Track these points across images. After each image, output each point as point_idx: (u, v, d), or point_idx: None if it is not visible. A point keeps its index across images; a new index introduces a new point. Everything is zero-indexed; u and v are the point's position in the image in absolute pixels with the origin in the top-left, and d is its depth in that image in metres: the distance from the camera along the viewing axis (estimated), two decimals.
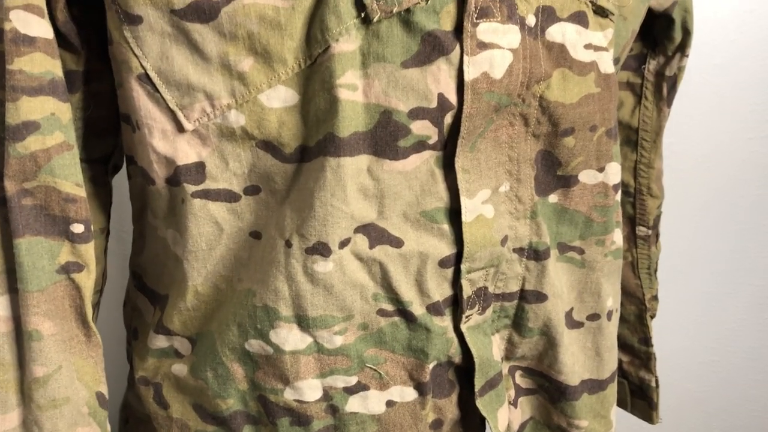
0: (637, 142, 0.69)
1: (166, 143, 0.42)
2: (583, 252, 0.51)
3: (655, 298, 0.75)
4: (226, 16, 0.39)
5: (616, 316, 0.55)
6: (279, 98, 0.41)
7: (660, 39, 0.65)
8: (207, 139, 0.42)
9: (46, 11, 0.40)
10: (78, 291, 0.43)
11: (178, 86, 0.41)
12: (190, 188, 0.43)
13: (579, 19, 0.45)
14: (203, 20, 0.39)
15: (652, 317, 0.76)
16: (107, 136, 0.48)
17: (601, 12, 0.46)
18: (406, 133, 0.42)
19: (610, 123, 0.49)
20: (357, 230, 0.43)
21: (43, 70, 0.40)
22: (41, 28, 0.40)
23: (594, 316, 0.53)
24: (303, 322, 0.43)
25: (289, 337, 0.44)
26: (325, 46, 0.40)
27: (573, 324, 0.52)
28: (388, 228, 0.44)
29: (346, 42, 0.40)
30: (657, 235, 0.74)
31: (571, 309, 0.52)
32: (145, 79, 0.41)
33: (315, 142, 0.42)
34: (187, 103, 0.41)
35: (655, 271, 0.75)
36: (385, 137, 0.42)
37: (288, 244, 0.43)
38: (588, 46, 0.46)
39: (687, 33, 0.63)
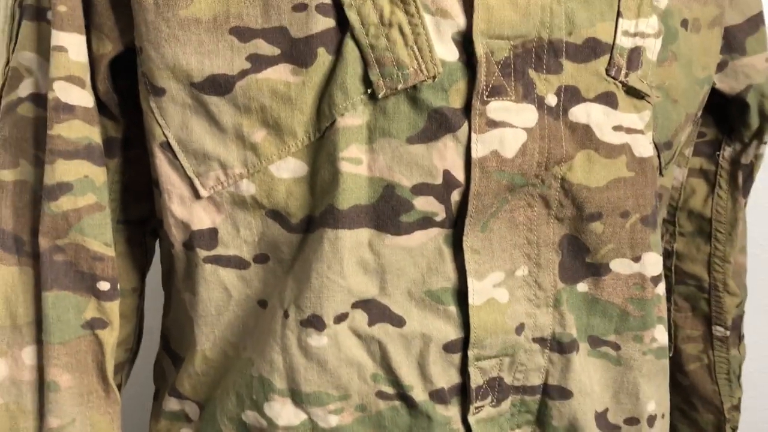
0: (710, 233, 0.64)
1: (183, 208, 0.44)
2: (619, 348, 0.47)
3: (736, 408, 0.68)
4: (240, 90, 0.41)
5: (662, 424, 0.50)
6: (288, 169, 0.42)
7: (735, 125, 0.61)
8: (221, 206, 0.44)
9: (88, 82, 0.44)
10: (100, 347, 0.45)
11: (195, 155, 0.43)
12: (203, 253, 0.44)
13: (607, 100, 0.43)
14: (219, 93, 0.41)
15: (733, 429, 0.68)
16: (144, 199, 0.51)
17: (635, 93, 0.44)
18: (409, 208, 0.41)
19: (647, 210, 0.45)
20: (356, 305, 0.42)
21: (80, 135, 0.43)
22: (81, 98, 0.43)
23: (632, 420, 0.48)
24: (297, 396, 0.43)
25: (283, 412, 0.43)
26: (332, 120, 0.40)
27: (608, 427, 0.48)
28: (390, 305, 0.42)
29: (352, 117, 0.40)
30: (740, 337, 0.67)
31: (606, 410, 0.48)
32: (167, 147, 0.43)
33: (319, 213, 0.42)
34: (203, 170, 0.43)
35: (738, 377, 0.67)
36: (386, 211, 0.41)
37: (285, 315, 0.42)
38: (618, 128, 0.43)
39: (765, 119, 0.59)
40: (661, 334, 0.48)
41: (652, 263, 0.46)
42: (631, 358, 0.47)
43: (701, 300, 0.66)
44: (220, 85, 0.41)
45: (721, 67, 0.56)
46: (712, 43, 0.51)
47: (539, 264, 0.44)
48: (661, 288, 0.48)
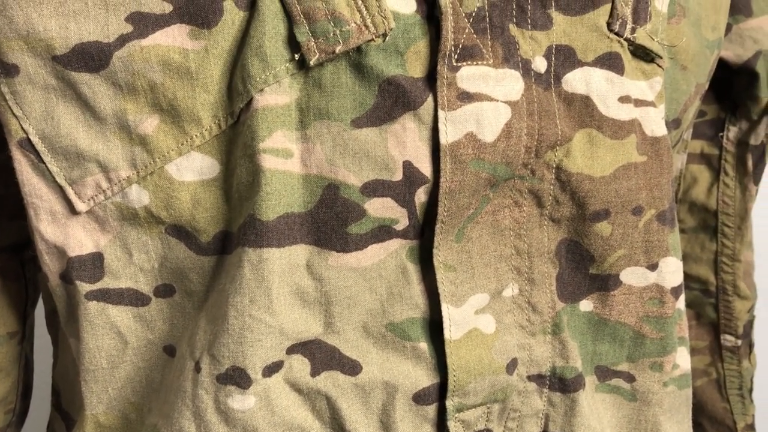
0: (716, 228, 0.56)
1: (56, 228, 0.33)
2: (634, 379, 0.37)
3: (751, 427, 0.60)
4: (119, 63, 0.30)
5: None
6: (193, 169, 0.31)
7: (741, 99, 0.52)
8: (105, 223, 0.32)
9: None
10: None
11: (66, 154, 0.32)
12: (85, 287, 0.33)
13: (610, 62, 0.33)
14: (92, 69, 0.30)
15: None
16: (19, 218, 0.39)
17: (644, 54, 0.34)
18: (360, 216, 0.31)
19: (663, 203, 0.36)
20: (292, 350, 0.31)
21: None
22: None
23: None
24: None
25: None
26: (248, 99, 0.30)
27: None
28: (339, 346, 0.32)
29: (275, 93, 0.30)
30: (750, 346, 0.59)
31: None
32: (28, 145, 0.32)
33: (237, 228, 0.31)
34: (77, 176, 0.32)
35: (750, 391, 0.60)
36: (329, 221, 0.31)
37: (197, 368, 0.31)
38: (625, 99, 0.34)
39: None
40: (683, 359, 0.39)
41: (672, 271, 0.37)
42: (649, 390, 0.38)
43: (707, 306, 0.57)
44: (93, 57, 0.30)
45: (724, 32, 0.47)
46: None
47: (532, 279, 0.34)
48: (682, 301, 0.38)
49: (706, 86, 0.44)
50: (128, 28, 0.30)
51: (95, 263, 0.33)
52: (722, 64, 0.50)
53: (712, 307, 0.57)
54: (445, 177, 0.31)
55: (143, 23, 0.30)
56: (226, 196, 0.32)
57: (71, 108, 0.31)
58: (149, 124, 0.31)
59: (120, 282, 0.33)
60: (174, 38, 0.30)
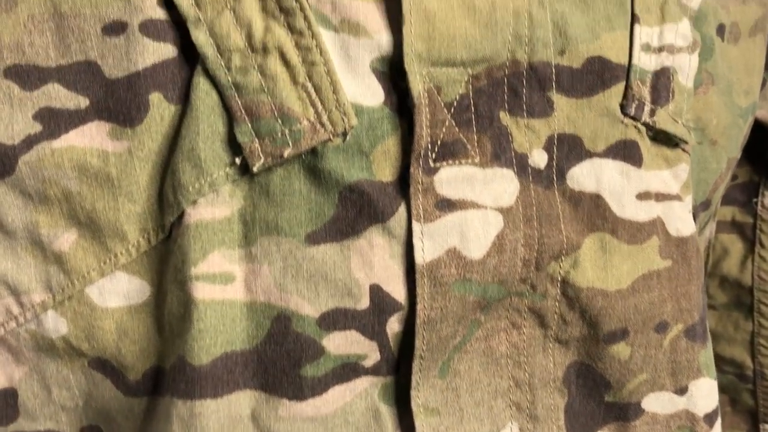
0: (752, 306, 0.50)
1: None
2: None
3: None
4: (27, 169, 0.25)
5: None
6: (118, 292, 0.26)
7: None
8: (19, 354, 0.27)
9: None
10: None
11: None
12: None
13: (625, 152, 0.28)
14: None
15: None
16: None
17: (666, 140, 0.29)
18: (317, 354, 0.25)
19: (693, 316, 0.30)
20: None
21: None
22: None
23: None
24: None
25: None
26: (179, 212, 0.24)
27: None
28: None
29: (211, 205, 0.24)
30: None
31: None
32: None
33: (169, 366, 0.25)
34: None
35: None
36: (279, 361, 0.25)
37: None
38: (644, 196, 0.28)
39: None
40: None
41: (705, 394, 0.31)
42: None
43: (744, 392, 0.51)
44: None
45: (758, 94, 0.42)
46: (755, 57, 0.37)
47: (535, 416, 0.28)
48: (718, 427, 0.32)
49: (739, 156, 0.39)
50: (36, 128, 0.25)
51: (8, 401, 0.28)
52: (756, 124, 0.45)
53: (750, 393, 0.51)
54: (423, 304, 0.25)
55: (54, 121, 0.25)
56: (158, 325, 0.26)
57: None
58: (65, 239, 0.26)
59: (37, 423, 0.28)
60: (91, 138, 0.25)
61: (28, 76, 0.25)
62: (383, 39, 0.24)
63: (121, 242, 0.26)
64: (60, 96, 0.25)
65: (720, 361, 0.51)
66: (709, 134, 0.34)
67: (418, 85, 0.24)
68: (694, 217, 0.34)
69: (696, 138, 0.32)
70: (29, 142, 0.25)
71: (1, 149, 0.25)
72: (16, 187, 0.25)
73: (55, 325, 0.27)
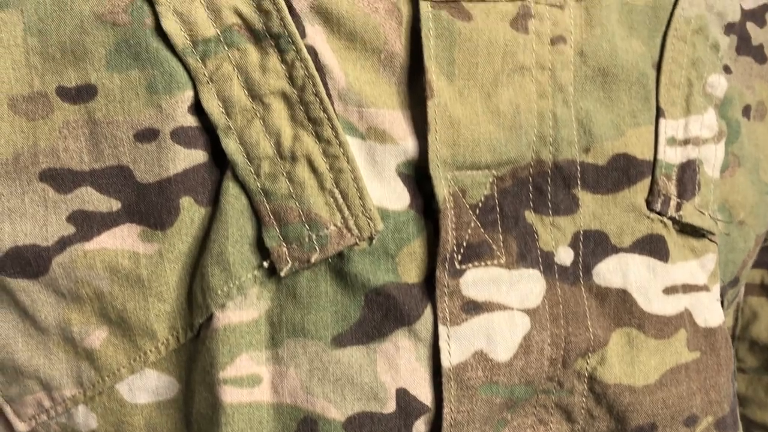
0: None
1: None
2: None
3: None
4: (60, 270, 0.25)
5: None
6: (147, 389, 0.26)
7: None
8: None
9: None
10: None
11: (2, 369, 0.27)
12: None
13: (651, 247, 0.28)
14: (29, 275, 0.26)
15: None
16: None
17: (692, 232, 0.29)
18: None
19: (723, 407, 0.29)
20: None
21: None
22: None
23: None
24: None
25: None
26: (208, 314, 0.25)
27: None
28: None
29: (240, 308, 0.25)
30: None
31: None
32: None
33: None
34: (16, 393, 0.27)
35: None
36: None
37: None
38: (671, 290, 0.28)
39: None
40: None
41: None
42: None
43: None
44: (30, 262, 0.26)
45: None
46: None
47: None
48: None
49: (765, 232, 0.38)
50: (70, 230, 0.25)
51: None
52: None
53: None
54: (450, 407, 0.25)
55: (87, 223, 0.25)
56: (186, 421, 0.26)
57: (9, 316, 0.27)
58: (96, 336, 0.26)
59: None
60: (123, 241, 0.25)
61: (62, 180, 0.25)
62: (409, 145, 0.25)
63: (151, 340, 0.26)
64: (93, 199, 0.25)
65: (750, 425, 0.50)
66: (735, 215, 0.33)
67: (443, 189, 0.25)
68: (722, 295, 0.34)
69: (723, 218, 0.32)
70: (63, 243, 0.25)
71: (35, 250, 0.25)
72: (50, 286, 0.26)
73: (86, 419, 0.27)
